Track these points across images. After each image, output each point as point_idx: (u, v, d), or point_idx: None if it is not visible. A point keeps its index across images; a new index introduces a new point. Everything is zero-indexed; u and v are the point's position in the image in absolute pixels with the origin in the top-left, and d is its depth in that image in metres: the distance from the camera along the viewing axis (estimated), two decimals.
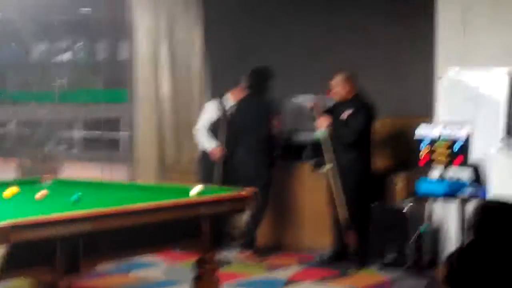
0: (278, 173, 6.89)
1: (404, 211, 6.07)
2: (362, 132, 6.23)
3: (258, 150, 6.67)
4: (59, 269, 3.71)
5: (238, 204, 4.62)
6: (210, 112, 6.95)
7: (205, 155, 6.91)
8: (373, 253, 6.20)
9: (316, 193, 6.78)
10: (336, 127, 6.30)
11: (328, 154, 6.30)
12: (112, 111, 8.63)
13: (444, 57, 6.20)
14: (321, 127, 6.37)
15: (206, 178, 6.77)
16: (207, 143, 6.88)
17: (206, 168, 6.89)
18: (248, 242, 6.69)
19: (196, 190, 4.67)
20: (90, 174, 7.51)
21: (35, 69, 9.33)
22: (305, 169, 6.95)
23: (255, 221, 6.63)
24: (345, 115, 6.31)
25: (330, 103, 6.53)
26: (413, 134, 6.03)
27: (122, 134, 9.19)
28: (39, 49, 9.67)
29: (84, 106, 8.79)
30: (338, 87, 6.35)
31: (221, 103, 6.92)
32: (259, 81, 6.75)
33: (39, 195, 4.54)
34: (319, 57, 7.62)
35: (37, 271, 3.69)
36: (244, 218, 6.64)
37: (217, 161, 6.80)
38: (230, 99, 6.88)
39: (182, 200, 4.42)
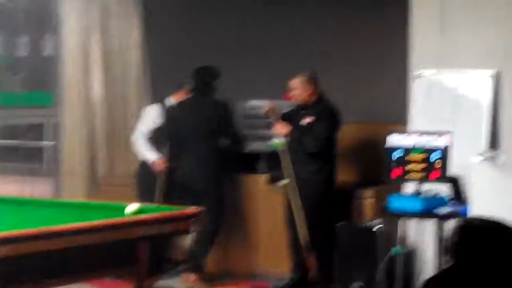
0: (227, 187, 6.87)
1: (373, 231, 6.10)
2: (325, 141, 6.26)
3: (208, 160, 6.64)
4: None
5: (181, 225, 4.61)
6: (150, 118, 6.91)
7: (144, 168, 6.86)
8: (338, 280, 6.21)
9: (272, 211, 6.78)
10: (296, 135, 6.31)
11: (286, 166, 6.30)
12: (35, 116, 8.53)
13: (419, 57, 6.26)
14: (279, 135, 6.37)
15: (145, 194, 6.71)
16: (147, 153, 6.83)
17: (145, 182, 6.84)
18: (195, 266, 6.65)
19: (132, 208, 4.63)
20: (7, 190, 7.38)
21: None
22: (259, 183, 6.95)
23: (205, 243, 6.60)
24: (306, 121, 6.33)
25: (286, 108, 6.54)
26: (384, 143, 6.06)
27: (46, 144, 9.07)
28: None
29: (1, 110, 8.67)
30: (299, 90, 6.37)
31: (162, 107, 6.89)
32: (205, 81, 6.73)
33: None
34: (274, 57, 7.64)
35: None
36: (189, 240, 6.65)
37: (159, 175, 6.75)
38: (173, 103, 6.86)
39: (116, 220, 4.39)
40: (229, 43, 7.96)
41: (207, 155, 6.63)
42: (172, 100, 6.86)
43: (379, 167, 6.21)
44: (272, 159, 6.84)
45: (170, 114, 6.82)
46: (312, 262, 6.21)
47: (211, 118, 6.68)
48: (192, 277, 6.63)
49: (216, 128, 6.70)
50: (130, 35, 7.87)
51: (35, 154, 9.07)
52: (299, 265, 6.34)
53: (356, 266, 6.11)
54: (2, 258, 3.73)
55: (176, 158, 6.71)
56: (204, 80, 6.74)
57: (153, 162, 6.78)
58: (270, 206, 6.81)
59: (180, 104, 6.80)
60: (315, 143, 6.23)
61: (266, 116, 6.54)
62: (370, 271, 6.03)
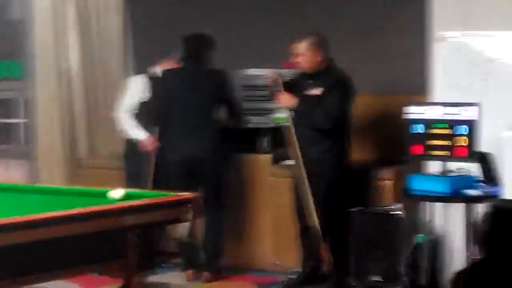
0: (224, 169, 6.90)
1: (393, 217, 6.12)
2: (338, 116, 6.27)
3: (206, 135, 6.65)
4: None
5: (175, 212, 4.63)
6: (135, 90, 6.92)
7: (131, 148, 6.88)
8: (354, 273, 6.24)
9: (277, 196, 6.81)
10: (303, 108, 6.31)
11: (291, 144, 6.32)
12: (3, 90, 8.54)
13: (442, 17, 6.27)
14: (283, 108, 6.39)
15: (133, 178, 6.74)
16: (135, 131, 6.85)
17: (133, 164, 6.86)
18: (192, 260, 6.75)
19: (117, 193, 4.66)
20: None
21: None
22: (260, 163, 6.97)
23: (217, 232, 6.67)
24: (314, 92, 6.31)
25: (288, 77, 6.54)
26: (402, 116, 6.08)
27: (18, 121, 9.08)
28: None
29: None
30: (306, 55, 6.35)
31: (150, 78, 6.90)
32: (198, 50, 6.74)
33: None
34: (275, 20, 7.61)
35: None
36: (184, 229, 6.70)
37: (148, 155, 6.77)
38: (160, 73, 6.86)
39: (100, 207, 4.40)
40: (222, 4, 7.94)
41: (203, 129, 6.63)
42: (158, 70, 6.87)
43: (398, 144, 6.25)
44: (275, 136, 6.87)
45: (159, 84, 6.81)
46: (324, 253, 6.26)
47: (207, 88, 6.69)
48: (189, 273, 6.70)
49: (212, 100, 6.71)
50: None
51: (5, 134, 9.09)
52: (310, 257, 6.38)
53: (374, 257, 6.14)
54: None
55: (166, 135, 6.73)
56: (197, 48, 6.73)
57: (142, 141, 6.80)
58: (275, 190, 6.84)
59: (170, 73, 6.79)
60: (327, 118, 6.24)
61: (268, 87, 6.54)
62: (390, 262, 6.06)
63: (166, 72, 6.80)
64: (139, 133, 6.83)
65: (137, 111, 6.88)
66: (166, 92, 6.75)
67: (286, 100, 6.35)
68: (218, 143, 6.70)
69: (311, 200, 6.23)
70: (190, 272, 6.72)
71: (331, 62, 6.40)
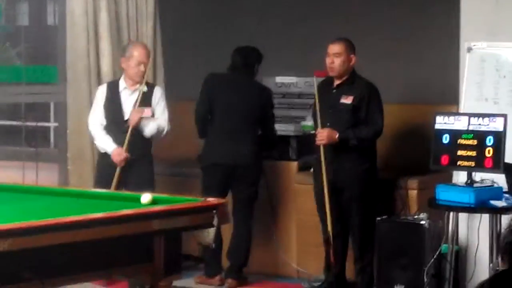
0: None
1: (419, 226, 6.08)
2: (382, 128, 6.19)
3: (249, 141, 6.68)
4: None
5: (202, 218, 4.62)
6: (100, 101, 6.83)
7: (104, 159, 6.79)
8: (379, 282, 6.21)
9: (303, 202, 6.79)
10: (336, 117, 6.23)
11: (324, 152, 6.24)
12: (37, 94, 8.56)
13: (471, 27, 6.23)
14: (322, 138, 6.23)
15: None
16: (103, 143, 6.71)
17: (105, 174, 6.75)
18: (215, 267, 6.77)
19: (145, 198, 4.65)
20: (7, 176, 7.43)
21: None
22: (288, 170, 6.96)
23: (243, 242, 6.70)
24: (346, 100, 6.24)
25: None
26: (430, 126, 6.05)
27: (51, 125, 9.11)
28: None
29: (0, 87, 8.73)
30: (341, 56, 6.25)
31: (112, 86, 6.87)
32: (247, 62, 6.76)
33: None
34: (304, 28, 7.59)
35: None
36: (211, 235, 6.68)
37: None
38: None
39: (128, 211, 4.40)
40: (253, 11, 7.94)
41: (246, 136, 6.66)
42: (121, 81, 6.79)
43: (425, 153, 6.21)
44: (302, 144, 6.86)
45: (204, 87, 6.83)
46: (332, 257, 6.22)
47: (253, 99, 6.71)
48: (214, 279, 6.73)
49: (256, 110, 6.73)
50: (142, 3, 7.88)
51: (39, 137, 9.13)
52: (336, 265, 6.32)
53: (398, 265, 6.10)
54: (2, 253, 3.75)
55: (208, 138, 6.72)
56: (247, 59, 6.75)
57: (111, 152, 6.63)
58: (300, 197, 6.83)
59: (216, 77, 6.83)
60: (376, 135, 6.19)
61: (296, 94, 6.52)
62: (415, 271, 6.02)
63: (212, 76, 6.82)
64: (107, 145, 6.73)
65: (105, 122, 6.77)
66: (211, 95, 6.75)
67: (328, 136, 6.23)
68: (259, 152, 6.72)
69: (335, 207, 6.18)
70: (215, 278, 6.71)
71: (355, 71, 6.35)
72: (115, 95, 6.64)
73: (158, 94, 6.67)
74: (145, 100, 6.56)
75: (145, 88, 6.56)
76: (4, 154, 7.80)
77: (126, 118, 6.57)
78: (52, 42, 8.02)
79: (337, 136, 6.18)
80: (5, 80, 8.49)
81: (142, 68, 6.55)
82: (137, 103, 6.51)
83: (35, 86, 8.22)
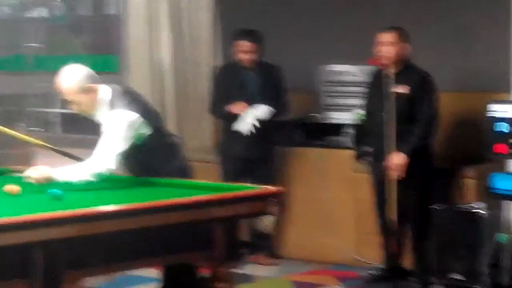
0: (309, 162, 6.96)
1: (475, 215, 6.05)
2: (437, 116, 6.17)
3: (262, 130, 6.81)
4: (36, 283, 3.77)
5: (261, 205, 4.65)
6: None
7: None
8: (435, 271, 6.17)
9: (359, 190, 6.78)
10: (392, 106, 6.20)
11: (385, 140, 6.23)
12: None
13: None
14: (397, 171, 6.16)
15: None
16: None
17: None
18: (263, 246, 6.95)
19: None
20: (72, 164, 7.53)
21: (1, 28, 9.38)
22: (344, 159, 6.95)
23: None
24: (401, 89, 6.20)
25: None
26: (485, 114, 6.01)
27: None
28: (6, 2, 9.71)
29: None
30: (392, 48, 6.20)
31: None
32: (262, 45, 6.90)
33: (10, 190, 4.59)
34: (360, 16, 7.55)
35: (8, 285, 3.75)
36: (268, 222, 6.75)
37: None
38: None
39: (189, 199, 4.45)
40: (308, 2, 7.93)
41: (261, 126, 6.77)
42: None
43: (480, 142, 6.17)
44: (358, 132, 6.86)
45: (216, 78, 7.01)
46: (395, 246, 6.22)
47: (263, 82, 6.82)
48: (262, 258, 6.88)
49: (268, 94, 6.84)
50: None
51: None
52: (393, 253, 6.32)
53: (455, 255, 6.06)
54: (71, 238, 3.83)
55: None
56: (261, 43, 6.87)
57: None
58: (357, 185, 6.82)
59: (226, 68, 7.03)
60: (432, 127, 6.15)
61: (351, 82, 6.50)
62: (471, 261, 5.98)
63: (223, 67, 7.04)
64: None
65: None
66: (224, 86, 6.92)
67: (399, 165, 6.12)
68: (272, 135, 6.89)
69: (394, 196, 6.18)
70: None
71: (409, 58, 6.30)
72: None
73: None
74: None
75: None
76: (70, 142, 7.88)
77: None
78: (114, 32, 8.10)
79: (404, 158, 6.11)
80: None
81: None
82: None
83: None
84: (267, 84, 6.90)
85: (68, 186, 4.64)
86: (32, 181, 4.72)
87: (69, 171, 4.77)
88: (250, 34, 6.86)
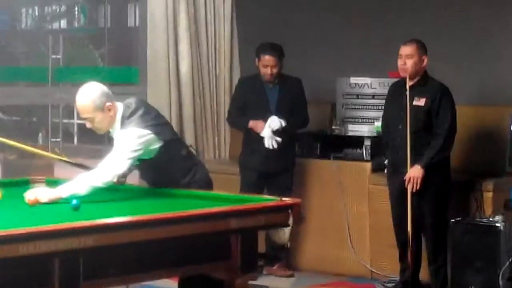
0: (327, 175, 6.95)
1: (494, 229, 6.01)
2: (453, 129, 6.15)
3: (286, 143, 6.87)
4: None
5: (278, 217, 4.65)
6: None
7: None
8: (453, 283, 6.16)
9: (376, 203, 6.78)
10: (410, 119, 6.19)
11: (403, 152, 6.21)
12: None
13: None
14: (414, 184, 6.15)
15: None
16: None
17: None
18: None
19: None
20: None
21: (23, 40, 9.42)
22: (362, 171, 6.95)
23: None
24: (419, 102, 6.20)
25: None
26: (505, 128, 5.99)
27: None
28: (28, 15, 9.76)
29: None
30: (411, 60, 6.19)
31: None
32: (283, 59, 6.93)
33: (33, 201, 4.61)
34: (380, 28, 7.55)
35: None
36: (286, 234, 6.74)
37: None
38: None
39: (206, 210, 4.45)
40: (327, 11, 7.93)
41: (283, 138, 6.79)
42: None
43: (500, 154, 6.15)
44: (376, 144, 6.85)
45: (236, 90, 7.07)
46: (412, 259, 6.19)
47: (284, 95, 6.85)
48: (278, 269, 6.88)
49: (288, 107, 6.86)
50: (219, 5, 7.95)
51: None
52: (410, 266, 6.25)
53: (473, 268, 6.04)
54: (89, 248, 3.84)
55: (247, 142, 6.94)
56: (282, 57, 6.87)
57: None
58: (374, 198, 6.81)
59: (247, 80, 7.07)
60: (450, 137, 6.13)
61: (369, 95, 6.50)
62: (489, 275, 5.96)
63: (243, 79, 7.05)
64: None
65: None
66: (244, 97, 6.94)
67: (416, 178, 6.10)
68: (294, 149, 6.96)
69: (412, 209, 6.15)
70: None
71: (426, 72, 6.30)
72: None
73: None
74: None
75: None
76: (87, 153, 7.91)
77: None
78: (133, 43, 8.13)
79: (421, 170, 6.10)
80: (87, 80, 8.64)
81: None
82: None
83: (117, 87, 8.36)
84: (287, 97, 6.90)
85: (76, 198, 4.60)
86: (28, 202, 4.64)
87: (71, 185, 4.74)
88: (274, 49, 6.86)
